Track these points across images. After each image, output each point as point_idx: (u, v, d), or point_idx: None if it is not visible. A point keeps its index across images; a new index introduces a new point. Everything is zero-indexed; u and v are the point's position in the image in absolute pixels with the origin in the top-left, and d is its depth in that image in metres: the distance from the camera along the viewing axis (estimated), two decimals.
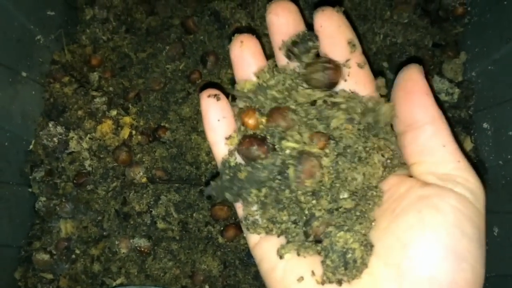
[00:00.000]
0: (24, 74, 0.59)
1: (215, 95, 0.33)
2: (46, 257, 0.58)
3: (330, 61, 0.32)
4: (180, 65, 0.65)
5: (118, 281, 0.58)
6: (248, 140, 0.31)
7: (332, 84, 0.32)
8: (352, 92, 0.32)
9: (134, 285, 0.58)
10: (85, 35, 0.67)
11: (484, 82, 0.61)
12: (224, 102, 0.33)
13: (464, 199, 0.27)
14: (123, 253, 0.58)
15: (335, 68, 0.31)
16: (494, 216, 0.57)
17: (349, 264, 0.29)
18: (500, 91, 0.57)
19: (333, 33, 0.32)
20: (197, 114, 0.62)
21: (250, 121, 0.32)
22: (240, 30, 0.34)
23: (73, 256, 0.59)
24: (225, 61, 0.64)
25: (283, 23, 0.33)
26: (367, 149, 0.31)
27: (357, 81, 0.32)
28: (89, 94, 0.63)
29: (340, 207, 0.30)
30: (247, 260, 0.59)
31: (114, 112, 0.62)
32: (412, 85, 0.30)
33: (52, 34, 0.65)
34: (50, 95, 0.63)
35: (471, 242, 0.27)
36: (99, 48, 0.66)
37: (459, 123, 0.61)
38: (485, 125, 0.60)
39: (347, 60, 0.32)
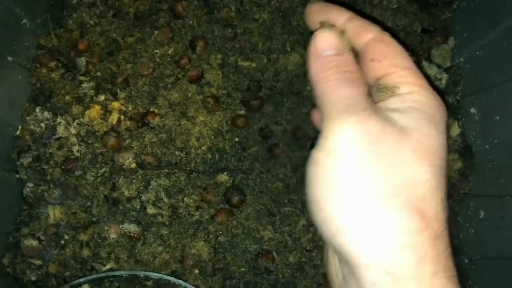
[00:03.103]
0: (9, 58, 0.58)
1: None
2: (34, 243, 0.58)
3: None
4: (169, 50, 0.64)
5: (108, 266, 0.58)
6: None
7: None
8: None
9: (124, 270, 0.58)
10: (72, 20, 0.66)
11: (472, 68, 0.61)
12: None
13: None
14: (113, 238, 0.58)
15: None
16: (480, 199, 0.58)
17: None
18: (488, 77, 0.58)
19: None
20: (186, 100, 0.62)
21: None
22: None
23: (62, 242, 0.59)
24: (215, 46, 0.64)
25: None
26: None
27: None
28: (76, 79, 0.62)
29: None
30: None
31: (102, 97, 0.61)
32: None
33: (38, 18, 0.63)
34: (36, 80, 0.62)
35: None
36: (86, 33, 0.65)
37: (447, 108, 0.62)
38: (472, 110, 0.60)
39: None
